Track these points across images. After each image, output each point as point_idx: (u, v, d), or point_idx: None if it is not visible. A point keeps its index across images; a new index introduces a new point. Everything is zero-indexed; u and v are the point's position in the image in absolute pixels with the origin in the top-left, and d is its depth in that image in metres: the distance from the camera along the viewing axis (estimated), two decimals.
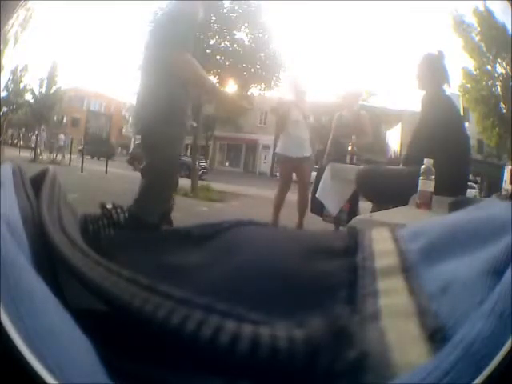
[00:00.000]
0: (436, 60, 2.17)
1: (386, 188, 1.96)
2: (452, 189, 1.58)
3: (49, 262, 0.22)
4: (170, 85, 1.86)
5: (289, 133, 3.43)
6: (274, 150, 3.90)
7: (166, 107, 1.85)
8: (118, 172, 9.89)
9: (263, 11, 9.64)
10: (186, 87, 1.92)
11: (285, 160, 3.49)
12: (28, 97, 13.25)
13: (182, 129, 1.97)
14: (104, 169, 9.29)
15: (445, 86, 2.14)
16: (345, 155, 3.07)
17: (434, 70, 2.12)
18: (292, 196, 3.56)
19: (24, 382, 0.15)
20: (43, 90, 13.61)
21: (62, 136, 13.39)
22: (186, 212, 4.40)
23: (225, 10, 9.38)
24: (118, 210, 0.29)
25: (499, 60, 10.30)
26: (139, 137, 2.06)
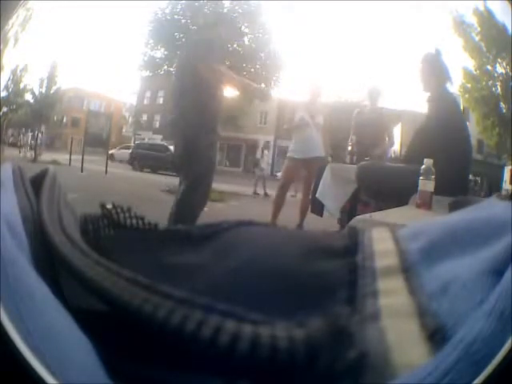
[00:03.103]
0: (434, 59, 2.18)
1: (387, 184, 1.96)
2: (454, 189, 1.58)
3: (49, 261, 0.22)
4: (203, 96, 2.20)
5: (297, 135, 3.41)
6: (274, 150, 3.88)
7: (203, 117, 2.20)
8: (118, 172, 9.89)
9: (263, 11, 9.65)
10: (216, 98, 2.26)
11: (293, 161, 3.47)
12: (28, 97, 13.29)
13: (216, 136, 2.35)
14: (104, 169, 9.29)
15: (447, 85, 2.14)
16: (367, 155, 2.85)
17: (434, 70, 2.12)
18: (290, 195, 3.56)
19: (24, 382, 0.15)
20: (43, 90, 13.64)
21: (38, 135, 13.54)
22: None
23: (225, 10, 9.39)
24: (118, 210, 0.29)
25: (499, 60, 10.29)
26: (179, 145, 2.33)
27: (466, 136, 2.13)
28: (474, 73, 10.63)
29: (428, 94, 2.16)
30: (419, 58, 2.21)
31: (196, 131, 2.23)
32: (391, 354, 0.16)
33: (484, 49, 10.38)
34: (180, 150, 2.32)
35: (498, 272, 0.17)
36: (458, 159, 1.98)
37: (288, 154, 3.55)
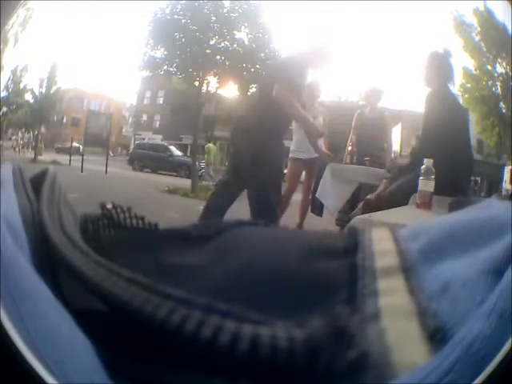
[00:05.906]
0: (442, 57, 2.19)
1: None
2: (453, 189, 1.59)
3: (49, 261, 0.22)
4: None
5: (298, 135, 3.41)
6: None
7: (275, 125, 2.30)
8: (118, 172, 9.89)
9: (263, 11, 9.63)
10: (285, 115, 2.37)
11: (296, 162, 3.45)
12: (28, 97, 13.26)
13: (282, 143, 2.44)
14: (104, 169, 9.29)
15: (450, 84, 2.14)
16: (366, 156, 2.90)
17: (439, 67, 2.13)
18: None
19: (24, 382, 0.15)
20: (43, 90, 13.61)
21: (38, 135, 13.62)
22: (186, 212, 4.40)
23: (225, 10, 9.37)
24: (118, 210, 0.29)
25: (499, 60, 10.27)
26: (246, 154, 2.34)
27: (466, 135, 2.14)
28: (474, 73, 10.61)
29: (429, 90, 2.15)
30: (426, 54, 2.21)
31: (267, 139, 2.33)
32: (391, 354, 0.16)
33: (484, 49, 10.36)
34: (249, 158, 2.36)
35: (498, 272, 0.17)
36: (458, 159, 1.98)
37: (290, 155, 3.52)
